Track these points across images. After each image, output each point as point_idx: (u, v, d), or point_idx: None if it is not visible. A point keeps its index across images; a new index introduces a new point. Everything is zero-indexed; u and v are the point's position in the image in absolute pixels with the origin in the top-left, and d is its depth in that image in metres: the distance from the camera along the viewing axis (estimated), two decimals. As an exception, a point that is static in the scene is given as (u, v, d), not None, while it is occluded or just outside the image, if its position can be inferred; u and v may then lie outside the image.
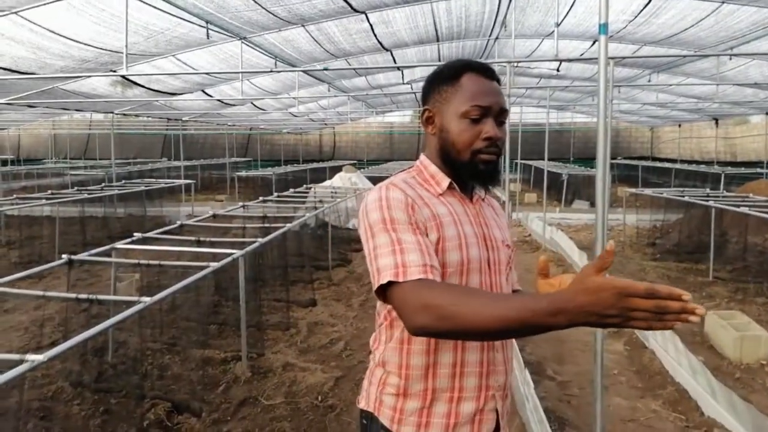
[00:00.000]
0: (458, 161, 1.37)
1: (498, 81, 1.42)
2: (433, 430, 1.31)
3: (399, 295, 1.16)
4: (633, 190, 10.38)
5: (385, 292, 1.20)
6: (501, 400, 1.38)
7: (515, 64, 10.69)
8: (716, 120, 17.96)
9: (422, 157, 1.46)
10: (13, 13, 5.47)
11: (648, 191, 9.58)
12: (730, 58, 8.59)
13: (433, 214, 1.31)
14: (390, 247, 1.21)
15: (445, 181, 1.39)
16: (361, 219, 1.32)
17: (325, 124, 23.72)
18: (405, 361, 1.33)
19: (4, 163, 19.91)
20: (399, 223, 1.25)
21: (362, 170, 15.32)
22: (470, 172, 1.37)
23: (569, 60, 7.72)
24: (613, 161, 18.87)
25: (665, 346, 4.52)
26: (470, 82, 1.36)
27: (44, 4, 5.36)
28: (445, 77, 1.40)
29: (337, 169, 14.58)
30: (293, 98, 12.36)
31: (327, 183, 11.65)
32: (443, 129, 1.39)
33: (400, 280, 1.16)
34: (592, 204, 13.39)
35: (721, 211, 7.15)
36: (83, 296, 3.21)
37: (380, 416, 1.35)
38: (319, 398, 3.93)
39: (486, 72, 1.39)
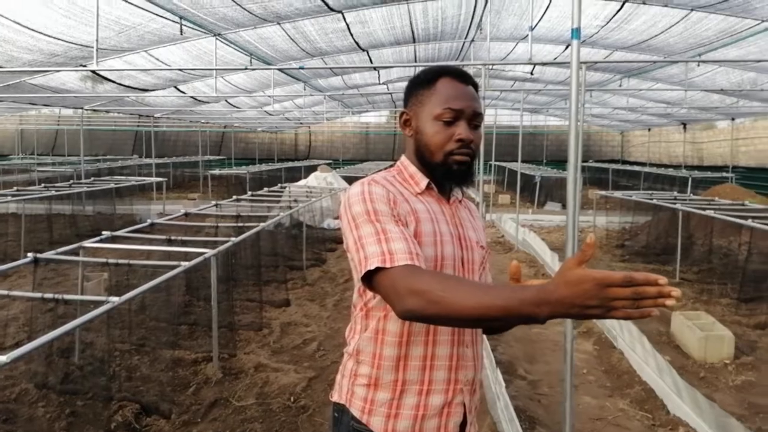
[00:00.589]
0: (432, 162, 1.42)
1: (475, 86, 1.47)
2: (402, 421, 1.35)
3: (387, 281, 1.20)
4: (603, 192, 10.57)
5: (371, 279, 1.23)
6: (469, 394, 1.42)
7: (490, 67, 10.79)
8: (684, 125, 18.41)
9: (402, 157, 1.52)
10: (-22, 4, 5.32)
11: (618, 194, 9.77)
12: (698, 65, 8.81)
13: (411, 209, 1.36)
14: (375, 236, 1.25)
15: (424, 181, 1.44)
16: (343, 212, 1.35)
17: (301, 123, 23.60)
18: (378, 351, 1.36)
19: (-32, 158, 19.31)
20: (382, 215, 1.30)
21: (338, 170, 15.28)
22: (443, 172, 1.42)
23: (543, 64, 7.83)
24: (585, 164, 19.20)
25: (633, 346, 4.61)
26: (445, 87, 1.42)
27: (11, -4, 5.22)
28: (421, 81, 1.46)
29: (313, 169, 14.53)
30: (268, 96, 12.27)
31: (302, 182, 11.59)
32: (419, 131, 1.44)
33: (388, 266, 1.20)
34: (564, 206, 13.58)
35: (688, 213, 7.32)
36: (49, 296, 3.14)
37: (351, 407, 1.38)
38: (292, 399, 3.90)
39: (461, 77, 1.44)
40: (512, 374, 4.34)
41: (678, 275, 7.16)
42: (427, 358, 1.35)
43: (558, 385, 4.09)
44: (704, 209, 6.93)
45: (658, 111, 15.44)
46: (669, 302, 0.94)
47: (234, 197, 7.85)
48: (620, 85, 11.76)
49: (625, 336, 4.82)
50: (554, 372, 4.41)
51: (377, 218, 1.29)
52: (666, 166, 19.00)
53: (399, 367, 1.35)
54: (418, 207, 1.38)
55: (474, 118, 1.42)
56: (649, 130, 21.58)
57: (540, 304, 1.05)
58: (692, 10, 6.59)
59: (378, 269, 1.20)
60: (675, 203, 7.67)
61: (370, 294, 1.37)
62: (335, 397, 1.44)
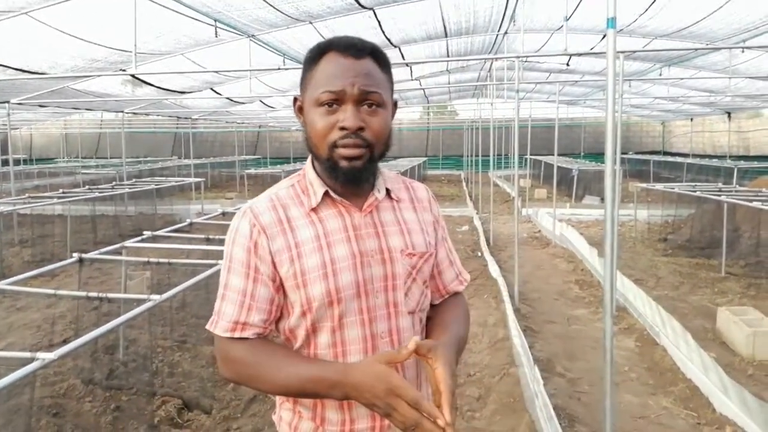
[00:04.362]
0: (319, 157, 1.19)
1: (378, 57, 1.19)
2: None
3: (215, 341, 1.23)
4: (644, 185, 10.30)
5: None
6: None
7: (524, 59, 10.63)
8: (729, 113, 17.76)
9: (309, 158, 1.26)
10: (23, 13, 5.51)
11: (659, 186, 9.50)
12: (743, 51, 8.47)
13: (289, 244, 1.17)
14: (221, 288, 1.22)
15: (321, 190, 1.21)
16: None
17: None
18: None
19: (17, 162, 20.09)
20: (234, 263, 1.19)
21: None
22: (330, 170, 1.18)
23: (578, 54, 7.66)
24: (624, 156, 18.72)
25: (677, 343, 4.48)
26: (328, 64, 1.16)
27: (54, 5, 5.39)
28: (307, 60, 1.21)
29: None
30: (302, 95, 12.36)
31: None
32: (305, 121, 1.20)
33: (212, 330, 1.22)
34: (603, 199, 13.25)
35: (733, 205, 7.07)
36: (94, 294, 3.23)
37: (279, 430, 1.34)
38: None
39: (349, 49, 1.16)
40: (551, 372, 4.28)
41: (724, 269, 6.93)
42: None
43: (598, 383, 4.01)
44: (751, 201, 6.68)
45: (701, 100, 14.92)
46: None
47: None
48: (660, 75, 11.41)
49: (669, 332, 4.68)
50: (594, 370, 4.32)
51: (229, 265, 1.20)
52: (710, 157, 18.39)
53: (316, 404, 1.22)
54: (302, 236, 1.18)
55: (365, 98, 1.14)
56: (692, 119, 20.91)
57: (335, 386, 1.08)
58: (736, -6, 6.33)
59: None
60: (720, 195, 7.41)
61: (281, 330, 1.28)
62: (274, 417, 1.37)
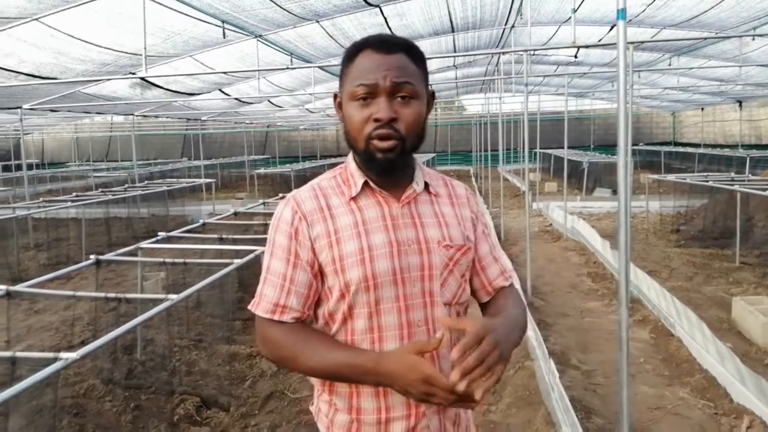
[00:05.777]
0: (357, 150, 1.24)
1: (411, 52, 1.24)
2: None
3: (256, 320, 1.28)
4: (656, 176, 10.23)
5: None
6: (436, 414, 1.26)
7: (532, 53, 10.58)
8: (740, 102, 17.57)
9: (350, 152, 1.31)
10: (34, 19, 5.57)
11: (671, 177, 9.42)
12: (753, 39, 8.39)
13: (328, 230, 1.22)
14: (264, 272, 1.28)
15: (361, 180, 1.26)
16: None
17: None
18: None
19: (30, 167, 20.30)
20: (277, 248, 1.25)
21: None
22: (367, 162, 1.23)
23: (587, 46, 7.61)
24: (635, 147, 18.59)
25: (692, 333, 4.46)
26: (362, 60, 1.22)
27: (64, 10, 5.45)
28: (344, 58, 1.27)
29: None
30: (310, 94, 12.40)
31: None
32: (344, 116, 1.25)
33: (254, 310, 1.27)
34: (614, 192, 13.24)
35: (746, 195, 7.01)
36: (112, 295, 3.28)
37: (318, 423, 1.35)
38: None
39: (382, 45, 1.22)
40: (565, 364, 4.28)
41: (738, 259, 6.88)
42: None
43: (613, 375, 4.01)
44: (765, 189, 6.62)
45: (712, 89, 14.78)
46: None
47: (280, 195, 7.98)
48: (670, 65, 11.31)
49: (684, 323, 4.66)
50: (609, 362, 4.32)
51: (272, 250, 1.26)
52: (721, 146, 18.21)
53: (352, 394, 1.25)
54: (341, 223, 1.22)
55: (398, 90, 1.19)
56: (702, 109, 20.70)
57: (367, 373, 1.14)
58: (745, -19, 6.28)
59: None
60: (733, 184, 7.35)
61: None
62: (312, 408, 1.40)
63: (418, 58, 1.25)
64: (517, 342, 1.21)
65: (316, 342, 1.22)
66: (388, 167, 1.22)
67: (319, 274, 1.25)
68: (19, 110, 9.69)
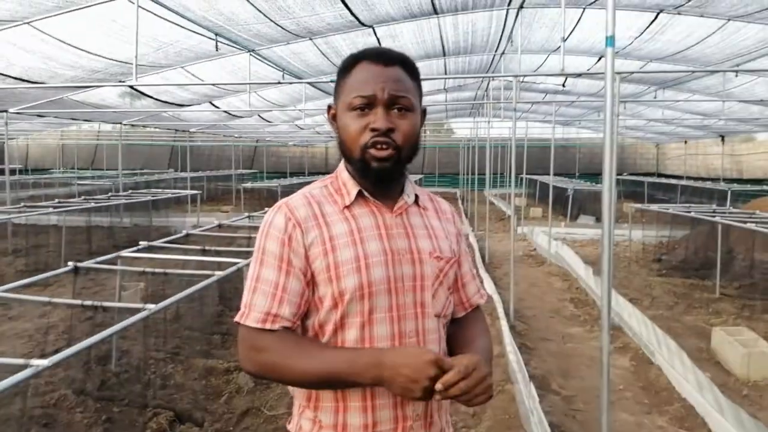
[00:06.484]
0: (352, 159, 1.25)
1: (406, 65, 1.26)
2: None
3: (240, 333, 1.22)
4: (639, 205, 10.35)
5: None
6: (423, 429, 1.25)
7: (521, 79, 10.74)
8: (722, 137, 17.94)
9: (342, 161, 1.32)
10: (25, 23, 5.54)
11: (654, 207, 9.55)
12: (737, 75, 8.59)
13: (323, 237, 1.21)
14: (251, 281, 1.23)
15: (354, 189, 1.26)
16: None
17: (332, 136, 23.76)
18: (315, 392, 1.25)
19: (12, 172, 20.04)
20: (267, 255, 1.22)
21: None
22: (362, 171, 1.24)
23: (575, 75, 7.76)
24: (619, 177, 18.84)
25: (672, 362, 4.48)
26: (360, 71, 1.24)
27: (55, 15, 5.43)
28: (340, 70, 1.29)
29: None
30: (300, 111, 12.43)
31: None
32: (338, 126, 1.27)
33: (242, 322, 1.21)
34: (598, 219, 13.38)
35: (727, 227, 7.11)
36: (88, 303, 3.22)
37: None
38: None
39: (379, 57, 1.24)
40: (546, 389, 4.26)
41: (718, 290, 6.95)
42: (368, 398, 1.20)
43: (593, 401, 4.00)
44: (745, 222, 6.73)
45: (695, 123, 15.09)
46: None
47: (266, 209, 7.95)
48: (655, 97, 11.54)
49: (664, 352, 4.68)
50: (589, 388, 4.31)
51: (262, 258, 1.22)
52: (704, 179, 18.52)
53: (339, 409, 1.22)
54: (336, 231, 1.22)
55: (395, 102, 1.21)
56: (686, 142, 21.10)
57: (369, 366, 1.12)
58: (729, 20, 6.44)
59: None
60: (714, 216, 7.46)
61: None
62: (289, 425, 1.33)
63: (413, 72, 1.28)
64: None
65: (308, 344, 1.20)
66: (384, 176, 1.23)
67: (311, 282, 1.22)
68: (4, 114, 9.59)
